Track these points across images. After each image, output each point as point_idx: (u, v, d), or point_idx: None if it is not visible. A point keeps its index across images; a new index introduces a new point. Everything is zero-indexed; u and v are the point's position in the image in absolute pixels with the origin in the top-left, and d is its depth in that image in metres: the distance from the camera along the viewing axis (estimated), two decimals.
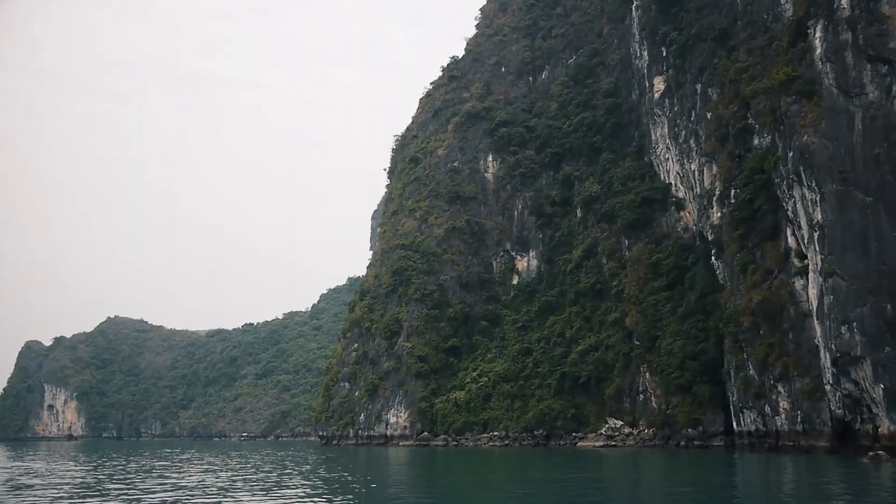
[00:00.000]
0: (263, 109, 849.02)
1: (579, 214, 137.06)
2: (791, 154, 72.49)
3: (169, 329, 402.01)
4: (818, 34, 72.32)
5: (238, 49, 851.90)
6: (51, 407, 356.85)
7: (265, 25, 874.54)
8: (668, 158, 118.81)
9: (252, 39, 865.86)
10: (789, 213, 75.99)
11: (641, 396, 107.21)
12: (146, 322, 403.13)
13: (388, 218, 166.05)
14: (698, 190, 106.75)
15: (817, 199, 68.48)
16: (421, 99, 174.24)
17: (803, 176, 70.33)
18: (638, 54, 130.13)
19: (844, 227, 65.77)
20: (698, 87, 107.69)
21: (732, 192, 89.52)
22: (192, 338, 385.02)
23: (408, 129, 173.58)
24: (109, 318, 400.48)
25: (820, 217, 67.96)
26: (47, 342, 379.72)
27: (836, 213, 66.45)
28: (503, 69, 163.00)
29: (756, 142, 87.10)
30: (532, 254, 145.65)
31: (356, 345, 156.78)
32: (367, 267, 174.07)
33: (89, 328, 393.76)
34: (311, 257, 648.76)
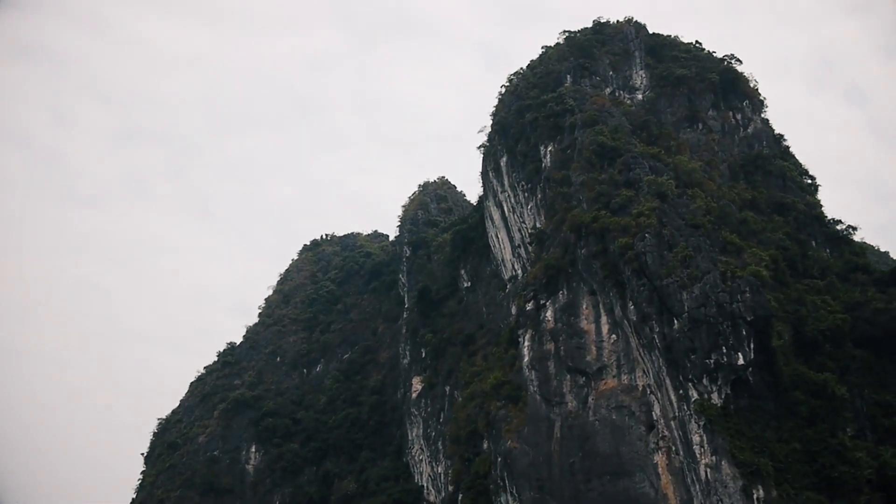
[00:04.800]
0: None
1: None
2: (499, 459, 72.22)
3: None
4: (526, 343, 75.49)
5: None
6: None
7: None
8: (422, 460, 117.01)
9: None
10: None
11: None
12: None
13: None
14: (444, 494, 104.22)
15: None
16: (192, 383, 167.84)
17: (507, 482, 69.65)
18: (403, 354, 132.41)
19: None
20: (447, 388, 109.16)
21: (460, 496, 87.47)
22: None
23: (173, 412, 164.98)
24: None
25: None
26: None
27: None
28: (278, 359, 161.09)
29: (485, 446, 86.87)
30: None
31: None
32: None
33: None
34: None
